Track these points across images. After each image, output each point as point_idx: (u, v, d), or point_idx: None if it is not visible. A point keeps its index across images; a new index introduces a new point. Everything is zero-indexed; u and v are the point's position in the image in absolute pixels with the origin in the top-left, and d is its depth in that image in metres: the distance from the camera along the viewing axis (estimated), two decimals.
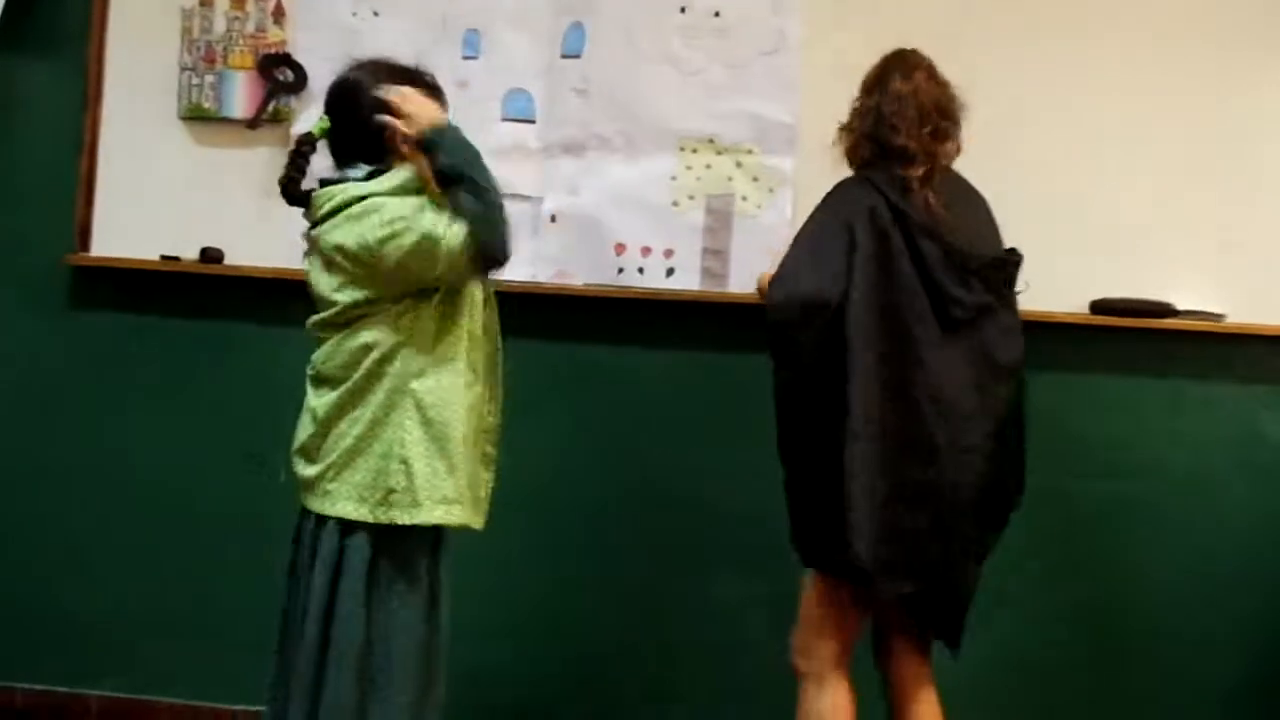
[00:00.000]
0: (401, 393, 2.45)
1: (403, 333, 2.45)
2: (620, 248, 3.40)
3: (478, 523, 2.57)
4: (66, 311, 3.62)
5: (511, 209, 3.31)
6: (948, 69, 2.65)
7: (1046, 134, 3.24)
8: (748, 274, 3.31)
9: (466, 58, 3.47)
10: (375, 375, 2.45)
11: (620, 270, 3.40)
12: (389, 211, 2.42)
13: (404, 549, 2.48)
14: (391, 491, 2.44)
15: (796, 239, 2.58)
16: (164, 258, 3.52)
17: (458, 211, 2.42)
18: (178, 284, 3.55)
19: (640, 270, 3.39)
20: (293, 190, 2.56)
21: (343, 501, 2.46)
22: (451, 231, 2.40)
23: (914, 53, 2.66)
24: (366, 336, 2.45)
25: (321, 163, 2.59)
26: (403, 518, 2.44)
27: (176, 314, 3.56)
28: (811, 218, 2.59)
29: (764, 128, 3.35)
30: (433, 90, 2.61)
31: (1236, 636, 3.24)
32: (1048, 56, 3.24)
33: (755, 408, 3.16)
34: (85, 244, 3.58)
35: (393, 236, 2.40)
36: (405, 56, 3.38)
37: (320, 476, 2.48)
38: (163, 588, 3.53)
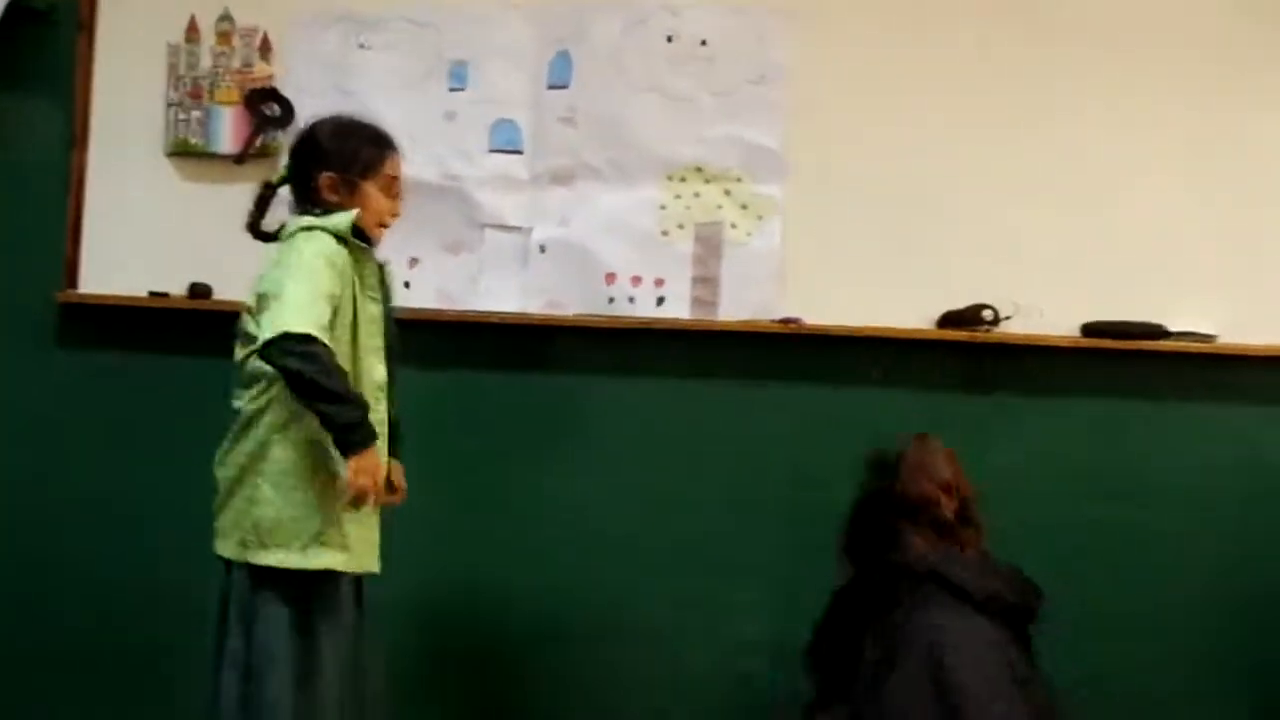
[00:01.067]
0: (266, 442, 2.55)
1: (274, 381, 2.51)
2: (610, 277, 3.39)
3: (374, 567, 2.64)
4: (54, 349, 3.61)
5: (501, 240, 3.40)
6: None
7: (1036, 158, 3.24)
8: (739, 302, 3.31)
9: (453, 89, 3.47)
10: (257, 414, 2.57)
11: (611, 300, 3.39)
12: (294, 259, 2.49)
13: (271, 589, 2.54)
14: (248, 532, 2.55)
15: None
16: (152, 294, 3.50)
17: (296, 365, 2.40)
18: (166, 320, 3.53)
19: (631, 299, 3.38)
20: (253, 228, 2.73)
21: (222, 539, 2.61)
22: (292, 320, 2.40)
23: None
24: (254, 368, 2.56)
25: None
26: (257, 559, 2.53)
27: (165, 350, 3.55)
28: None
29: (752, 155, 3.35)
30: (382, 141, 2.69)
31: (1235, 659, 3.23)
32: (1037, 82, 3.25)
33: (748, 436, 3.16)
34: (73, 281, 3.57)
35: (283, 266, 2.49)
36: (393, 89, 3.45)
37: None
38: (146, 625, 3.50)
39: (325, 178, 2.61)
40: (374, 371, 2.58)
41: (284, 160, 2.78)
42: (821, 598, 2.63)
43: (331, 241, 2.53)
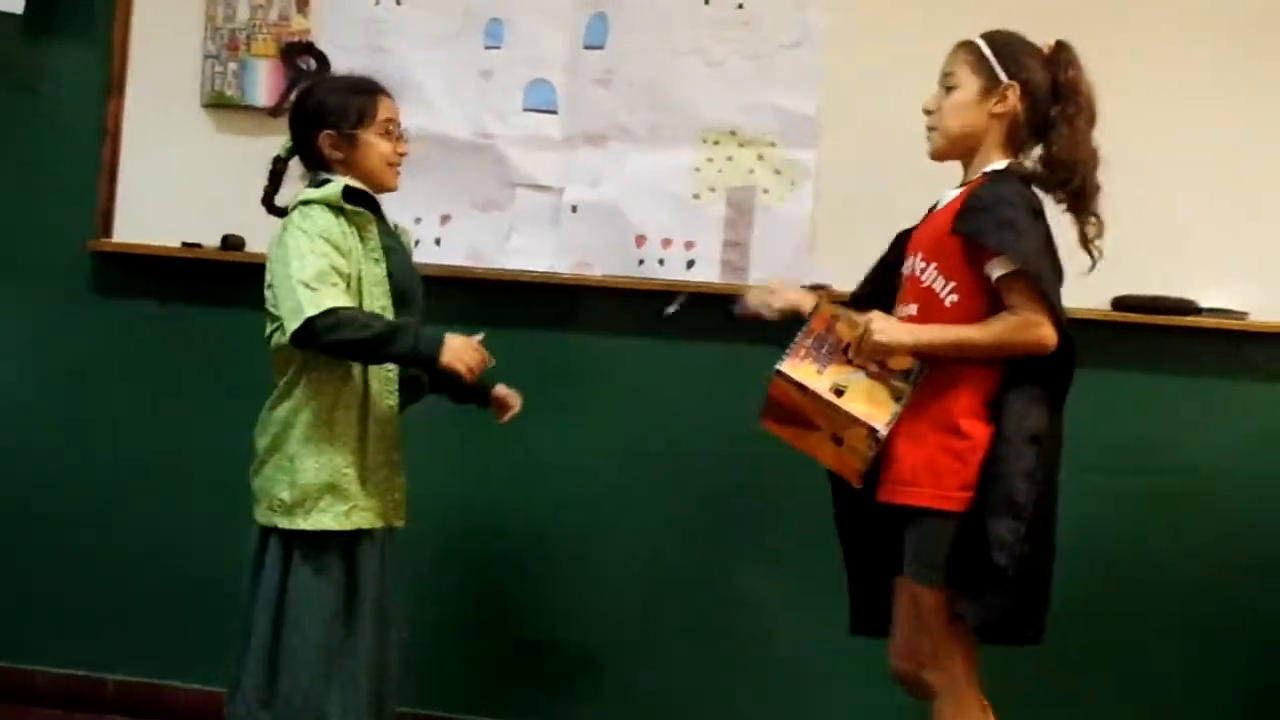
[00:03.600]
0: (295, 409, 2.62)
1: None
2: (641, 239, 3.39)
3: (399, 521, 2.71)
4: (88, 297, 3.65)
5: (533, 199, 3.40)
6: None
7: None
8: (768, 266, 3.31)
9: (489, 47, 3.47)
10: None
11: (641, 262, 3.39)
12: (290, 240, 2.55)
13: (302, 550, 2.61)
14: (271, 495, 2.61)
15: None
16: (185, 244, 3.53)
17: (334, 339, 2.49)
18: (199, 270, 3.56)
19: (661, 262, 3.38)
20: (268, 203, 2.80)
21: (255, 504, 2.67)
22: (308, 306, 2.48)
23: None
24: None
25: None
26: (283, 522, 2.59)
27: (197, 300, 3.58)
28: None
29: (786, 120, 3.34)
30: (369, 88, 2.72)
31: (1260, 635, 3.22)
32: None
33: None
34: (108, 230, 3.60)
35: (280, 257, 2.56)
36: (428, 46, 3.45)
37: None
38: (182, 573, 3.54)
39: (324, 137, 2.66)
40: None
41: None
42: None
43: (326, 215, 2.58)
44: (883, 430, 2.37)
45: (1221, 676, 3.24)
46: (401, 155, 2.73)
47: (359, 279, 2.60)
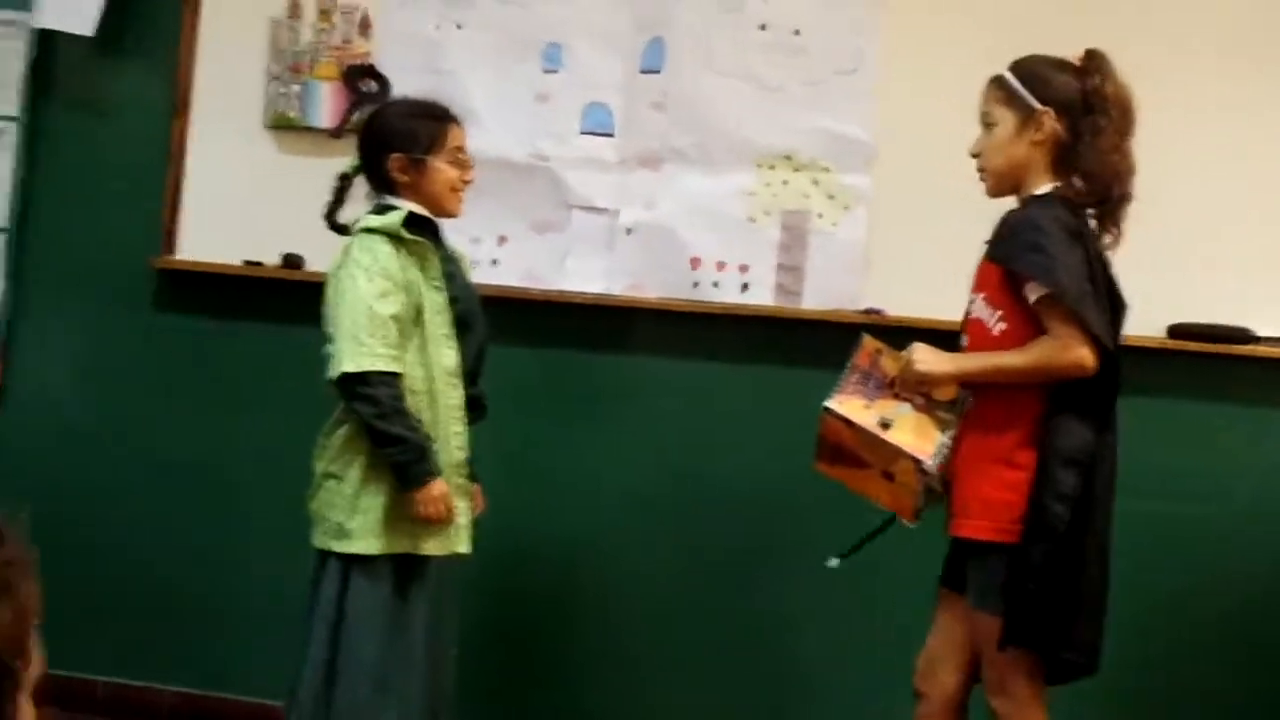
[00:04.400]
0: (351, 438, 2.68)
1: None
2: (695, 262, 3.42)
3: (461, 548, 2.74)
4: (150, 313, 3.71)
5: (588, 221, 3.43)
6: None
7: None
8: (822, 290, 3.32)
9: (547, 71, 3.51)
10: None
11: (695, 284, 3.41)
12: (350, 275, 2.61)
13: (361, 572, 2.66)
14: (327, 519, 2.67)
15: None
16: (247, 263, 3.59)
17: (356, 404, 2.59)
18: (259, 288, 3.62)
19: (715, 285, 3.41)
20: (330, 219, 2.83)
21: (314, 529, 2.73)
22: (347, 361, 2.57)
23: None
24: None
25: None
26: (338, 546, 2.65)
27: (257, 318, 3.63)
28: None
29: (841, 145, 3.36)
30: (441, 115, 2.77)
31: None
32: (1130, 76, 3.21)
33: None
34: (171, 247, 3.66)
35: (338, 294, 2.63)
36: (486, 69, 3.49)
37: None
38: (241, 588, 3.60)
39: (393, 160, 2.70)
40: (443, 358, 2.67)
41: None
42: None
43: (385, 246, 2.62)
44: (929, 461, 2.37)
45: (1262, 707, 3.21)
46: (467, 183, 2.78)
47: (419, 309, 2.64)
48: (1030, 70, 2.48)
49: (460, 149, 2.76)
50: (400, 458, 2.58)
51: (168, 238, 3.66)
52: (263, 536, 3.53)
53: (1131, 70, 2.61)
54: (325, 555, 2.67)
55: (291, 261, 3.55)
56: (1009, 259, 2.38)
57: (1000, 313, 2.41)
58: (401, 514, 2.63)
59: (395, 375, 2.58)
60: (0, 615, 0.97)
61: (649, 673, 3.48)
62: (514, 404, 3.16)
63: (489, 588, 3.41)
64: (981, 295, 2.46)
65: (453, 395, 2.68)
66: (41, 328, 3.76)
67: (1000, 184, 2.51)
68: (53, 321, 3.76)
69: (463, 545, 2.73)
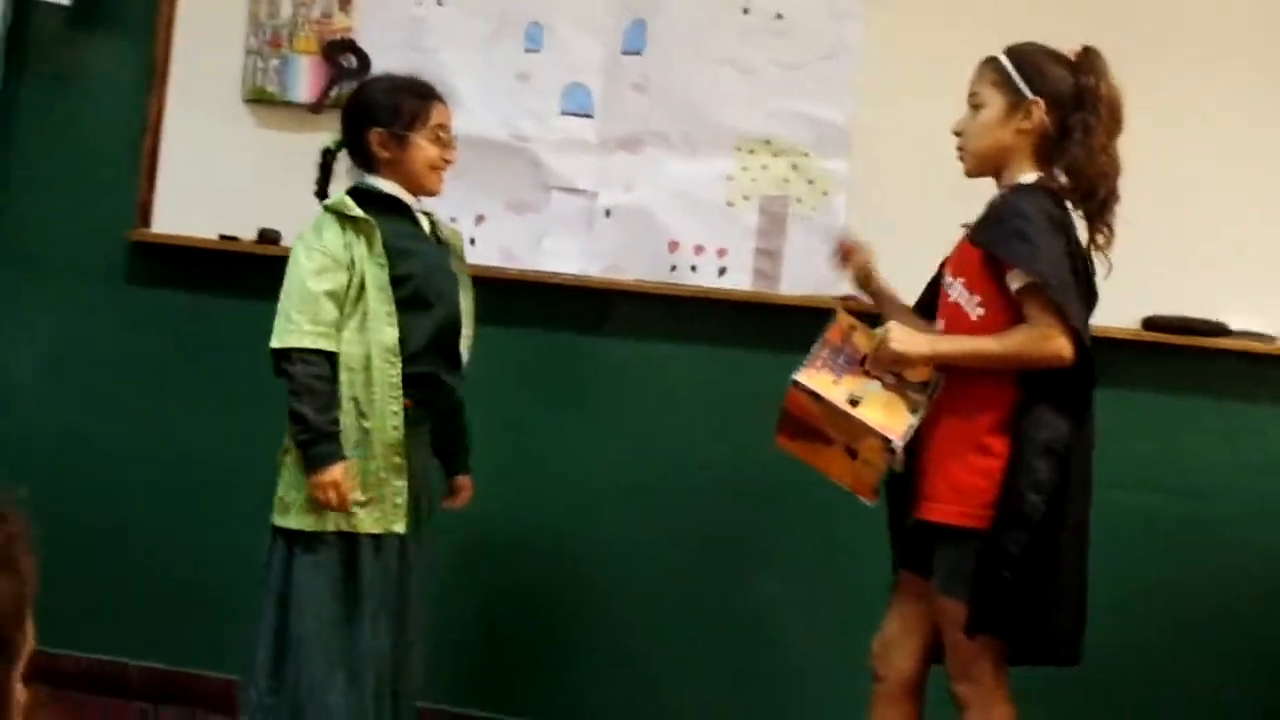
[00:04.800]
0: None
1: None
2: (674, 245, 3.41)
3: (397, 527, 2.71)
4: (125, 286, 3.69)
5: (567, 202, 3.42)
6: None
7: None
8: (800, 275, 3.32)
9: (528, 50, 3.50)
10: None
11: (673, 268, 3.41)
12: (295, 253, 2.68)
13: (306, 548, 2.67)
14: (277, 495, 2.70)
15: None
16: (222, 237, 3.57)
17: (283, 378, 2.64)
18: (235, 263, 3.60)
19: (693, 268, 3.40)
20: (321, 196, 2.81)
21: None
22: (275, 337, 2.64)
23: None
24: None
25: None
26: (278, 520, 2.67)
27: (232, 293, 3.61)
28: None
29: (821, 131, 3.36)
30: (424, 91, 2.77)
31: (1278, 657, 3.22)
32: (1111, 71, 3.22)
33: None
34: (146, 221, 3.64)
35: (290, 260, 2.69)
36: (467, 47, 3.48)
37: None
38: (210, 564, 3.58)
39: (375, 134, 2.70)
40: (383, 335, 2.66)
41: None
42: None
43: (334, 225, 2.65)
44: (897, 441, 2.37)
45: (1240, 698, 3.23)
46: (448, 161, 2.77)
47: (362, 284, 2.64)
48: (1026, 58, 2.48)
49: (443, 127, 2.75)
50: (300, 437, 2.60)
51: (143, 211, 3.63)
52: (235, 512, 3.50)
53: (1110, 59, 2.64)
54: (274, 531, 2.69)
55: (267, 236, 3.54)
56: (993, 244, 2.38)
57: (979, 298, 2.42)
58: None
59: (320, 353, 2.60)
60: (1, 589, 0.97)
61: (633, 659, 3.47)
62: (488, 384, 3.14)
63: (466, 570, 3.41)
64: (961, 280, 2.46)
65: (389, 372, 2.66)
66: (14, 301, 3.73)
67: (980, 165, 2.52)
68: (26, 295, 3.73)
69: (399, 524, 2.69)
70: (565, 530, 3.48)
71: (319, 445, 2.58)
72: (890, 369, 2.45)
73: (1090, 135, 2.43)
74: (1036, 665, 2.42)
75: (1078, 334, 2.32)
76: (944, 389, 2.45)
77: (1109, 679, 3.18)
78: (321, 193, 2.82)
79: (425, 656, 2.85)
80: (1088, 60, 2.48)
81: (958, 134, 2.54)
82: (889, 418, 2.40)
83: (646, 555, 3.46)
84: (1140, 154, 3.18)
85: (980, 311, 2.41)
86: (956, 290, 2.47)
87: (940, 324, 2.51)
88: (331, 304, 2.60)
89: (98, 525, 3.64)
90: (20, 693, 1.04)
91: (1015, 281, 2.36)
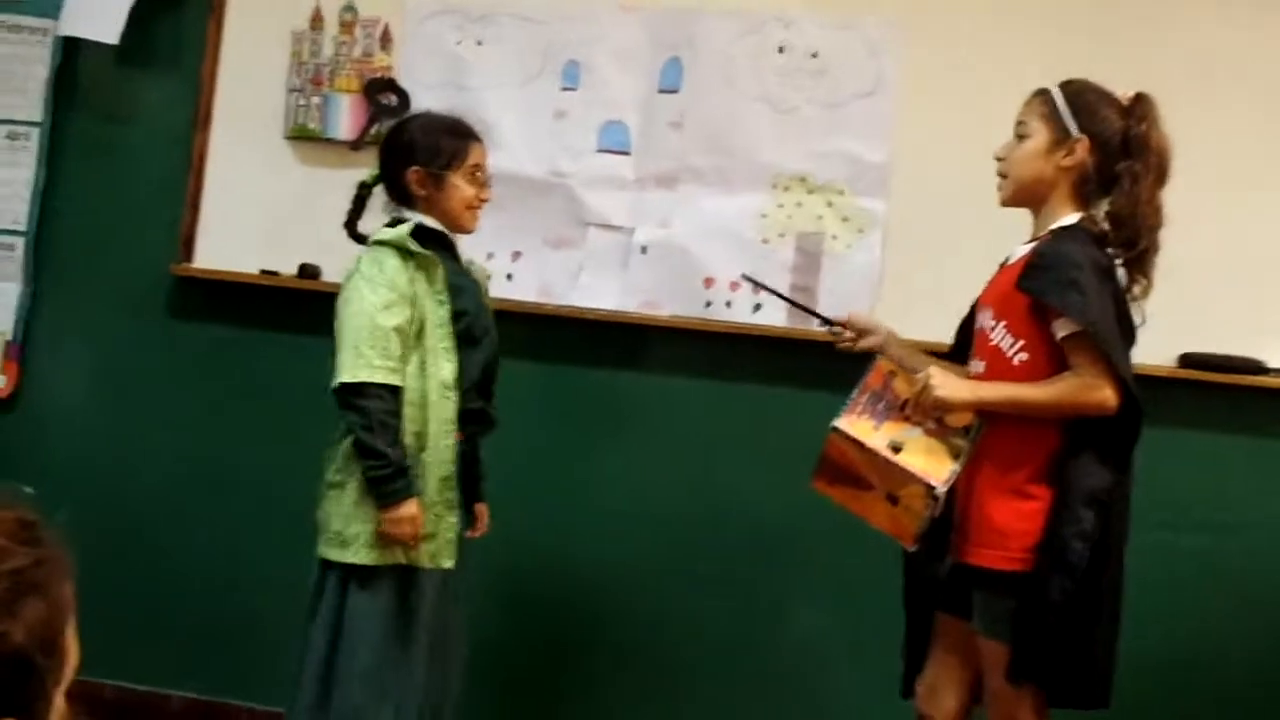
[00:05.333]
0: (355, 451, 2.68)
1: None
2: (709, 281, 3.43)
3: (445, 563, 2.73)
4: (167, 320, 3.74)
5: (603, 238, 3.45)
6: None
7: None
8: (835, 312, 3.31)
9: (565, 88, 3.53)
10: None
11: (708, 304, 3.43)
12: (356, 286, 2.66)
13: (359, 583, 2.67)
14: (329, 528, 2.69)
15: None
16: (264, 271, 3.61)
17: (349, 414, 2.63)
18: (275, 297, 3.64)
19: (728, 304, 3.42)
20: (351, 229, 2.86)
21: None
22: (345, 371, 2.62)
23: None
24: None
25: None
26: (335, 555, 2.66)
27: (272, 327, 3.66)
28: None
29: (857, 168, 3.37)
30: (463, 132, 2.80)
31: None
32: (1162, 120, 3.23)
33: None
34: (189, 255, 3.69)
35: (344, 304, 2.68)
36: (506, 85, 3.52)
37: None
38: (251, 595, 3.61)
39: (412, 173, 2.73)
40: (441, 371, 2.68)
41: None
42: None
43: (393, 259, 2.65)
44: (940, 487, 2.35)
45: None
46: (484, 201, 2.80)
47: (422, 321, 2.67)
48: (1078, 94, 2.47)
49: (479, 167, 2.78)
50: (376, 473, 2.60)
51: (186, 245, 3.69)
52: (275, 544, 3.54)
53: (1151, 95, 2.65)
54: (326, 564, 2.69)
55: (308, 271, 3.58)
56: (1044, 293, 2.35)
57: (1022, 343, 2.40)
58: None
59: (391, 389, 2.61)
60: (32, 613, 0.99)
61: (656, 690, 3.48)
62: (524, 418, 3.17)
63: (496, 601, 3.42)
64: (1004, 323, 2.45)
65: (446, 407, 2.69)
66: (59, 332, 3.79)
67: (1017, 195, 2.51)
68: (70, 326, 3.79)
69: (447, 560, 2.72)
70: (598, 564, 3.49)
71: (395, 481, 2.60)
72: (931, 414, 2.43)
73: (1137, 185, 2.41)
74: (1070, 709, 2.41)
75: (1124, 384, 2.31)
76: (985, 433, 2.43)
77: (1133, 710, 3.16)
78: (351, 224, 2.86)
79: (463, 684, 2.87)
80: (1140, 107, 2.46)
81: (1000, 159, 2.53)
82: (931, 464, 2.38)
83: (679, 590, 3.46)
84: (1178, 191, 3.19)
85: (1023, 357, 2.40)
86: (999, 334, 2.45)
87: (980, 366, 2.50)
88: (398, 339, 2.62)
89: (139, 554, 3.68)
90: (62, 714, 1.06)
91: (1062, 330, 2.34)
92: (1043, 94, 2.50)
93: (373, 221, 2.83)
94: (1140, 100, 2.46)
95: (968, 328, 2.64)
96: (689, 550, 3.45)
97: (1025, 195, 2.50)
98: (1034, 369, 2.38)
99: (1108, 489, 2.32)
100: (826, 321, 2.78)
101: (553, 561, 3.50)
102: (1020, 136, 2.50)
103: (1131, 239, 2.41)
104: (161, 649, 3.67)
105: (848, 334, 2.76)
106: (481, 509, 2.93)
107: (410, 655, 2.68)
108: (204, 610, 3.65)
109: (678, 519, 3.46)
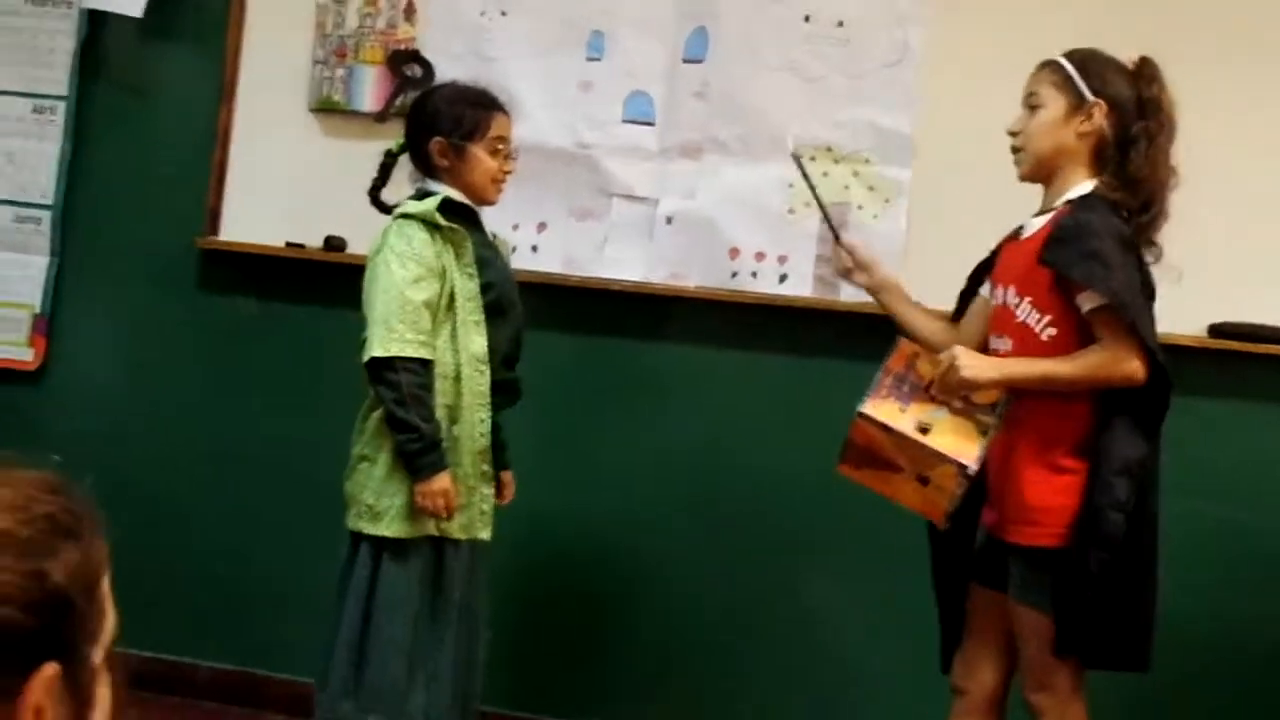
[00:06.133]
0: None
1: None
2: (734, 252, 3.42)
3: (482, 534, 2.76)
4: (194, 292, 3.75)
5: (628, 209, 3.44)
6: None
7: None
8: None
9: (590, 59, 3.52)
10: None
11: (734, 274, 3.42)
12: (385, 260, 2.65)
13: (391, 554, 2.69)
14: (359, 501, 2.70)
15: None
16: (289, 244, 3.62)
17: (381, 388, 2.62)
18: (301, 270, 3.65)
19: (754, 275, 3.41)
20: (374, 198, 2.86)
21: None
22: (376, 345, 2.61)
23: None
24: None
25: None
26: (368, 528, 2.67)
27: (299, 299, 3.67)
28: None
29: (882, 138, 3.35)
30: (486, 103, 2.78)
31: None
32: (1175, 76, 3.19)
33: None
34: (215, 228, 3.70)
35: (372, 279, 2.67)
36: (530, 56, 3.50)
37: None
38: (278, 566, 3.64)
39: (435, 143, 2.73)
40: (472, 344, 2.69)
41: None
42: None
43: (422, 233, 2.64)
44: (973, 466, 2.34)
45: None
46: (507, 173, 2.79)
47: (451, 294, 2.67)
48: (1087, 61, 2.46)
49: (502, 139, 2.77)
50: (410, 446, 2.60)
51: (212, 218, 3.70)
52: (301, 515, 3.56)
53: (1175, 67, 2.62)
54: (357, 537, 2.70)
55: (333, 244, 3.58)
56: (1066, 266, 2.34)
57: (1050, 318, 2.39)
58: None
59: (423, 362, 2.61)
60: (68, 556, 0.98)
61: (681, 659, 3.49)
62: (550, 390, 3.17)
63: (521, 572, 3.43)
64: (1028, 299, 2.43)
65: (479, 381, 2.70)
66: (86, 306, 3.81)
67: (1038, 168, 2.49)
68: (97, 299, 3.81)
69: (483, 531, 2.74)
70: (624, 535, 3.50)
71: (429, 454, 2.60)
72: (958, 394, 2.42)
73: (1153, 145, 2.40)
74: (1108, 670, 2.41)
75: (1152, 355, 2.29)
76: (1015, 408, 2.42)
77: (1170, 681, 3.15)
78: (375, 192, 2.86)
79: (487, 654, 2.88)
80: (1147, 70, 2.45)
81: (1014, 134, 2.51)
82: (960, 444, 2.37)
83: (708, 561, 3.47)
84: (1206, 161, 3.16)
85: (1051, 332, 2.39)
86: (1025, 311, 2.43)
87: (1007, 342, 2.48)
88: (429, 313, 2.63)
89: (166, 525, 3.69)
90: (104, 680, 1.05)
91: (1088, 303, 2.33)
92: (1052, 64, 2.49)
93: (398, 192, 2.83)
94: (1146, 63, 2.46)
95: (967, 297, 2.66)
96: (714, 520, 3.46)
97: (1045, 167, 2.49)
98: (1063, 343, 2.37)
99: (1141, 459, 2.32)
100: (837, 239, 2.77)
101: (577, 530, 3.51)
102: (1032, 108, 2.48)
103: (1148, 201, 2.40)
104: (187, 620, 3.70)
105: (845, 259, 2.74)
106: (507, 477, 2.93)
107: (441, 627, 2.70)
108: (230, 581, 3.67)
109: (704, 488, 3.46)
